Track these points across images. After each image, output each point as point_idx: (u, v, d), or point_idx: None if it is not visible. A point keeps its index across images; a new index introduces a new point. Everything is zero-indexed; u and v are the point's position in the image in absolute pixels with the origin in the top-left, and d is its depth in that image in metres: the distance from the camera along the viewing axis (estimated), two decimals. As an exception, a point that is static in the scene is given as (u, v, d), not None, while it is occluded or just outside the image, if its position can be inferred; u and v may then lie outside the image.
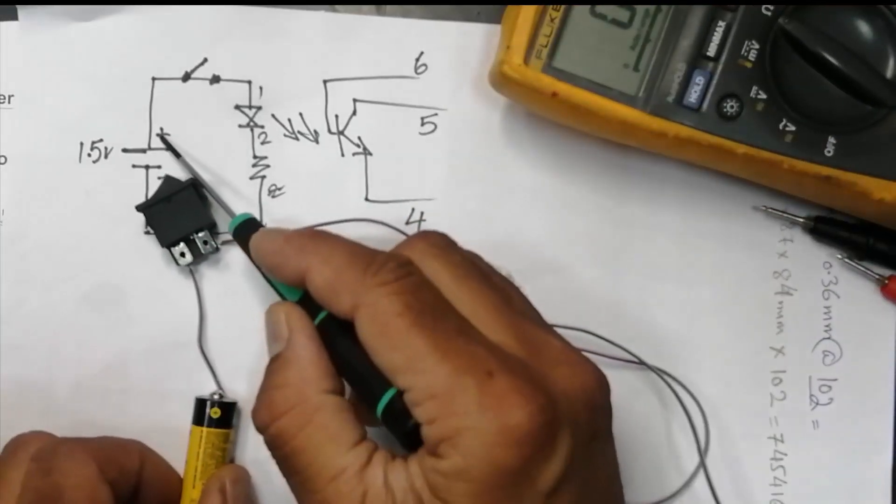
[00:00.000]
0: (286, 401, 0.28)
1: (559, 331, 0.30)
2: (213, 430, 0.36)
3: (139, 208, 0.37)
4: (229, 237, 0.36)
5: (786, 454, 0.39)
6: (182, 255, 0.37)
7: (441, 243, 0.30)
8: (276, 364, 0.29)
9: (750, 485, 0.38)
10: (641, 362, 0.38)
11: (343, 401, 0.28)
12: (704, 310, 0.39)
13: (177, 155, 0.37)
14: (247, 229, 0.34)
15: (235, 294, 0.38)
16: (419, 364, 0.26)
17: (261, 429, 0.29)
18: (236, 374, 0.38)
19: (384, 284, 0.27)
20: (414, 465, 0.26)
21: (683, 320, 0.39)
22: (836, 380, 0.39)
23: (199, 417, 0.36)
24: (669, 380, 0.38)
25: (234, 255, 0.38)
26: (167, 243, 0.37)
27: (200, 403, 0.36)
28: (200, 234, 0.37)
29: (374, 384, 0.27)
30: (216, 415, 0.36)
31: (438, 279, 0.28)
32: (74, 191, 0.38)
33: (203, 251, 0.37)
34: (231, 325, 0.38)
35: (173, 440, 0.37)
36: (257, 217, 0.37)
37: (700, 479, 0.38)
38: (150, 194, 0.38)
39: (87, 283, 0.38)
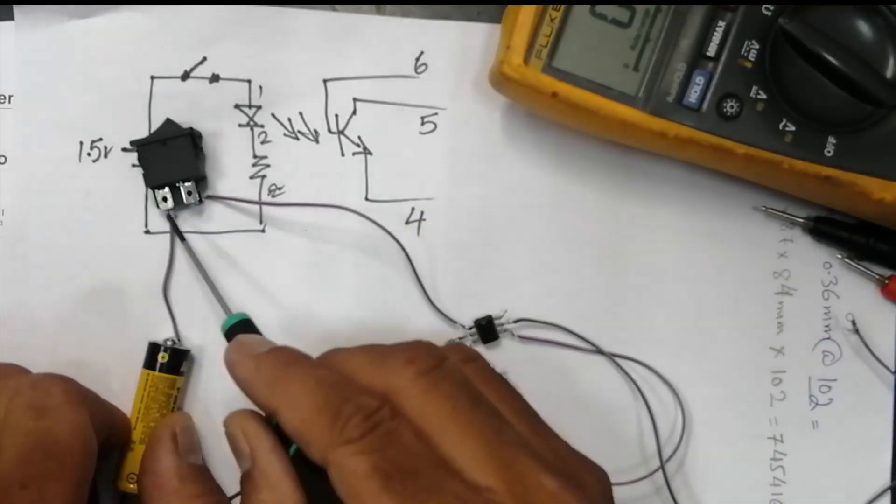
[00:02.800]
0: None
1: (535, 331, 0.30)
2: (159, 374, 0.36)
3: (133, 143, 0.37)
4: (215, 193, 0.37)
5: (785, 454, 0.39)
6: (164, 199, 0.37)
7: (426, 369, 0.28)
8: (247, 485, 0.29)
9: (749, 485, 0.38)
10: (600, 351, 0.38)
11: None
12: (704, 310, 0.39)
13: (181, 238, 0.37)
14: (238, 330, 0.33)
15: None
16: None
17: None
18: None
19: (350, 443, 0.26)
20: None
21: (683, 320, 0.39)
22: (835, 380, 0.39)
23: (149, 361, 0.36)
24: (635, 365, 0.38)
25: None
26: (152, 184, 0.37)
27: (152, 347, 0.36)
28: (187, 184, 0.37)
29: None
30: (164, 359, 0.36)
31: (422, 417, 0.27)
32: (74, 190, 0.38)
33: (185, 201, 0.37)
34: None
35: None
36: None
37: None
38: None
39: (87, 283, 0.38)
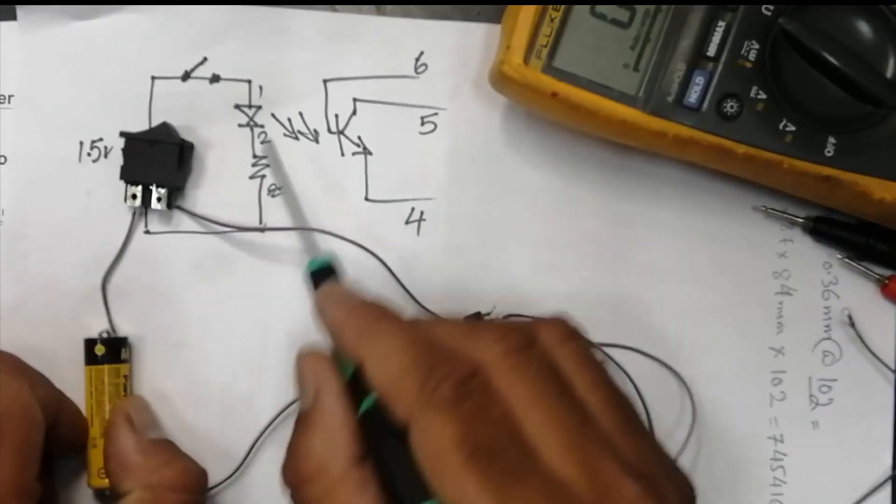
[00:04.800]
0: (309, 467, 0.28)
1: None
2: (101, 367, 0.36)
3: (123, 134, 0.37)
4: (185, 205, 0.37)
5: (785, 454, 0.39)
6: (133, 196, 0.37)
7: (516, 348, 0.27)
8: (302, 424, 0.29)
9: (749, 485, 0.38)
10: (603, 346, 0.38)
11: (368, 475, 0.27)
12: (704, 310, 0.39)
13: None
14: (322, 275, 0.32)
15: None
16: None
17: (286, 486, 0.28)
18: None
19: (441, 407, 0.25)
20: None
21: (683, 320, 0.39)
22: (835, 380, 0.39)
23: (88, 357, 0.36)
24: (634, 361, 0.38)
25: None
26: (127, 178, 0.37)
27: (88, 343, 0.37)
28: (160, 190, 0.37)
29: (409, 490, 0.26)
30: (101, 352, 0.36)
31: (509, 393, 0.26)
32: (74, 190, 0.38)
33: (152, 206, 0.37)
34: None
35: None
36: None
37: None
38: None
39: (87, 283, 0.38)
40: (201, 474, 0.35)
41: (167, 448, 0.35)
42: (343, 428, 0.28)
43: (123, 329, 0.38)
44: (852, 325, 0.39)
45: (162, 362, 0.38)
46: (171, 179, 0.37)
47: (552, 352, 0.28)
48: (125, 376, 0.37)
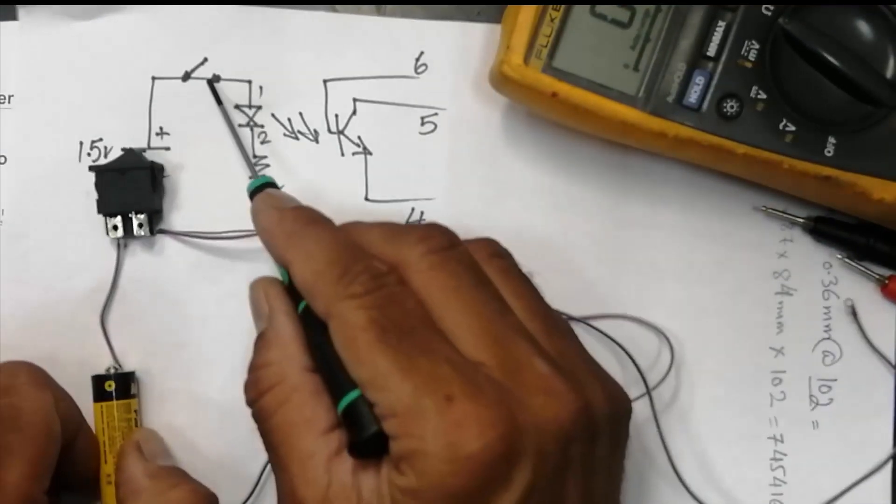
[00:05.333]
0: (268, 379, 0.29)
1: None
2: (112, 402, 0.36)
3: (92, 168, 0.37)
4: (167, 227, 0.38)
5: (785, 454, 0.39)
6: (115, 227, 0.37)
7: (437, 248, 0.28)
8: (260, 343, 0.30)
9: (749, 485, 0.38)
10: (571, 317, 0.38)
11: (322, 383, 0.28)
12: (704, 310, 0.39)
13: (218, 102, 0.37)
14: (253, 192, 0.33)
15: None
16: (381, 381, 0.26)
17: (249, 405, 0.29)
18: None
19: (353, 297, 0.27)
20: (384, 471, 0.26)
21: (683, 320, 0.39)
22: (835, 380, 0.39)
23: (98, 394, 0.36)
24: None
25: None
26: (104, 212, 0.37)
27: (97, 380, 0.36)
28: (139, 216, 0.37)
29: (337, 383, 0.27)
30: (111, 388, 0.36)
31: (427, 290, 0.28)
32: (74, 190, 0.38)
33: (135, 233, 0.37)
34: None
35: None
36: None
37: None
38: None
39: (88, 284, 0.38)
40: (210, 498, 0.35)
41: (176, 472, 0.35)
42: (295, 339, 0.29)
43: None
44: (854, 314, 0.38)
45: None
46: (148, 203, 0.37)
47: (471, 255, 0.29)
48: (135, 411, 0.37)
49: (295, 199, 0.32)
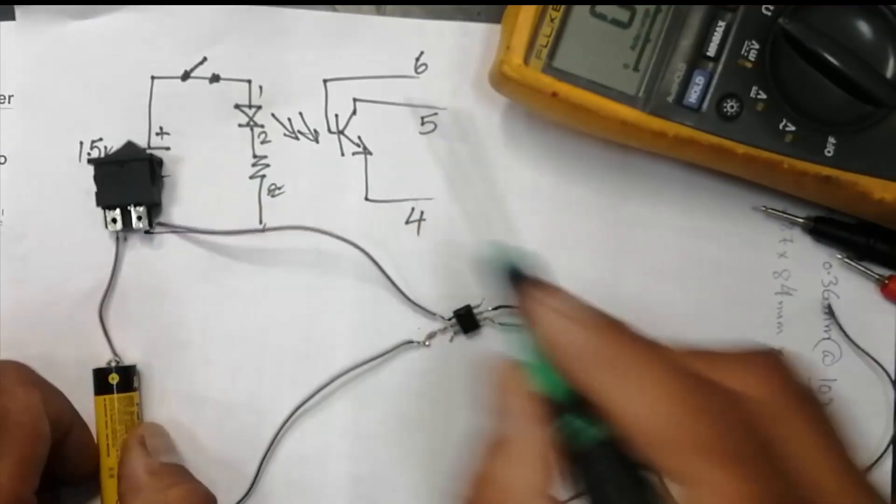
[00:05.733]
0: (496, 497, 0.25)
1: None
2: (114, 396, 0.36)
3: (91, 161, 0.37)
4: (166, 221, 0.37)
5: (785, 454, 0.39)
6: (114, 220, 0.37)
7: (785, 384, 0.24)
8: (497, 450, 0.25)
9: (749, 485, 0.38)
10: None
11: None
12: (704, 310, 0.39)
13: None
14: (514, 274, 0.27)
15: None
16: None
17: None
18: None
19: (729, 460, 0.22)
20: None
21: (683, 320, 0.39)
22: (835, 380, 0.39)
23: (100, 387, 0.36)
24: None
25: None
26: (103, 204, 0.37)
27: (99, 373, 0.36)
28: (138, 209, 0.37)
29: None
30: (114, 381, 0.36)
31: (786, 437, 0.23)
32: (75, 190, 0.38)
33: (134, 226, 0.37)
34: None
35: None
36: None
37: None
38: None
39: (87, 283, 0.38)
40: (209, 498, 0.35)
41: (177, 471, 0.35)
42: (545, 467, 0.25)
43: (126, 347, 0.38)
44: (852, 325, 0.39)
45: (165, 382, 0.38)
46: (147, 196, 0.37)
47: (811, 388, 0.25)
48: (137, 404, 0.37)
49: (588, 305, 0.26)
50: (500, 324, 0.38)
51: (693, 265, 0.39)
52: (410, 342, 0.38)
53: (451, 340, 0.38)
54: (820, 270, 0.39)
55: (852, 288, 0.39)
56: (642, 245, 0.39)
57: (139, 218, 0.37)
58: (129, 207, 0.37)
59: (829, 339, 0.39)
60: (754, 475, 0.22)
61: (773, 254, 0.39)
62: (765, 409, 0.23)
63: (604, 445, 0.24)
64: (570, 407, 0.25)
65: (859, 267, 0.38)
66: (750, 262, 0.39)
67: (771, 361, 0.25)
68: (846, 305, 0.39)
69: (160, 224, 0.38)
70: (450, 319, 0.38)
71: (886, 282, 0.38)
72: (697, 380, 0.24)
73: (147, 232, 0.38)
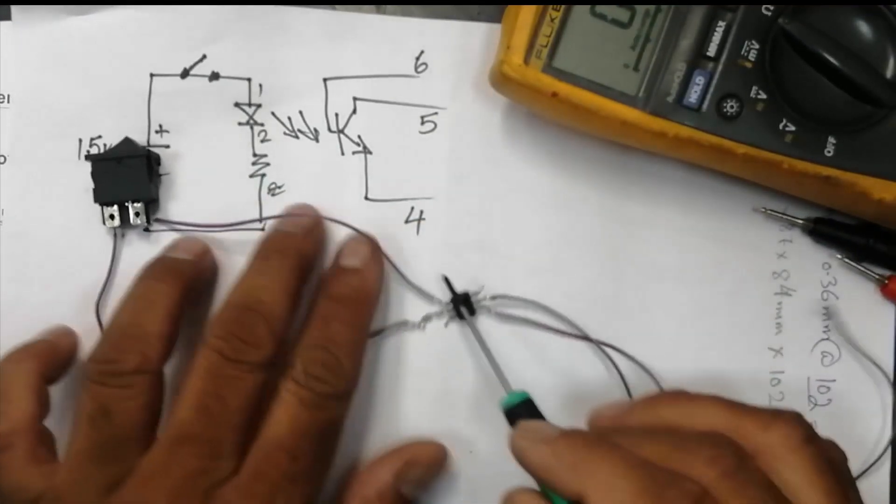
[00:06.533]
0: None
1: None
2: None
3: (88, 157, 0.37)
4: (165, 217, 0.37)
5: (784, 454, 0.39)
6: (111, 216, 0.37)
7: (733, 469, 0.27)
8: None
9: (748, 485, 0.38)
10: (587, 338, 0.38)
11: None
12: (703, 310, 0.39)
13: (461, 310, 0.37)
14: (518, 410, 0.32)
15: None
16: None
17: None
18: None
19: None
20: None
21: (682, 320, 0.39)
22: (834, 381, 0.39)
23: None
24: (612, 352, 0.38)
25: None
26: (101, 201, 0.37)
27: None
28: (136, 205, 0.37)
29: None
30: None
31: (785, 480, 0.27)
32: (74, 188, 0.38)
33: (132, 222, 0.37)
34: None
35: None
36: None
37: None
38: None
39: (87, 282, 0.37)
40: None
41: None
42: None
43: None
44: (852, 325, 0.39)
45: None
46: (145, 192, 0.37)
47: (764, 472, 0.28)
48: None
49: (551, 425, 0.31)
50: (497, 313, 0.38)
51: (692, 265, 0.39)
52: (405, 322, 0.38)
53: (447, 326, 0.38)
54: (819, 271, 0.39)
55: (852, 288, 0.39)
56: (642, 245, 0.39)
57: (137, 214, 0.37)
58: (126, 204, 0.37)
59: (828, 339, 0.39)
60: None
61: (772, 254, 0.39)
62: (713, 497, 0.26)
63: None
64: None
65: (859, 267, 0.39)
66: (749, 263, 0.39)
67: (712, 446, 0.27)
68: (845, 306, 0.39)
69: (158, 220, 0.38)
70: (447, 304, 0.38)
71: (886, 282, 0.38)
72: (649, 466, 0.27)
73: (146, 229, 0.38)
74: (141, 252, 0.37)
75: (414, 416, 0.38)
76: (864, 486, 0.38)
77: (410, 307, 0.38)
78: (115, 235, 0.38)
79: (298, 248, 0.35)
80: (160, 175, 0.38)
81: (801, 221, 0.39)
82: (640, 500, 0.26)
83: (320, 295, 0.35)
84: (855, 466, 0.38)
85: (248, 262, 0.35)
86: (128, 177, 0.37)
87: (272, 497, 0.31)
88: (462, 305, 0.37)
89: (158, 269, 0.35)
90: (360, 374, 0.34)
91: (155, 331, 0.33)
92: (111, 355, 0.33)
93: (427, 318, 0.38)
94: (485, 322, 0.38)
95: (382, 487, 0.34)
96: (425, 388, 0.38)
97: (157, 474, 0.31)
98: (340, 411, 0.34)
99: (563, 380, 0.38)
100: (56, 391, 0.35)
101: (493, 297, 0.38)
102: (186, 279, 0.35)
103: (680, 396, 0.31)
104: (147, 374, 0.33)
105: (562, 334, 0.38)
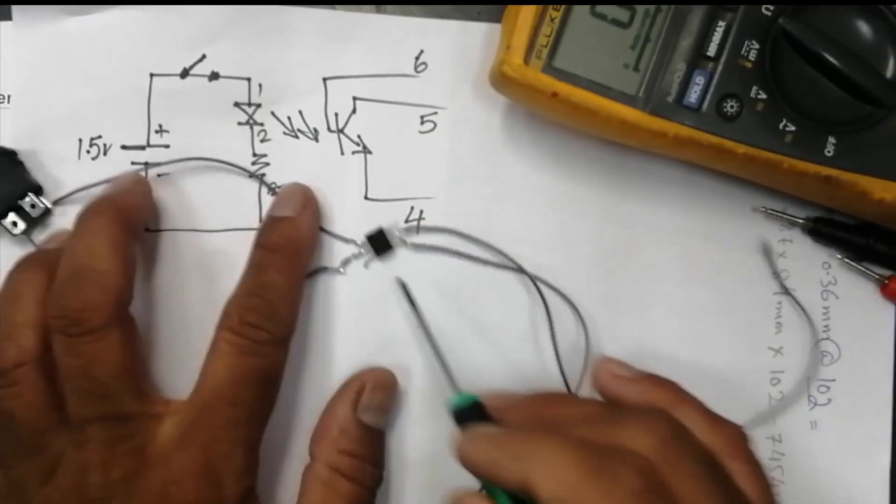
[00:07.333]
0: None
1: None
2: None
3: None
4: (58, 196, 0.37)
5: (784, 454, 0.39)
6: (14, 224, 0.37)
7: (670, 438, 0.27)
8: None
9: (748, 485, 0.38)
10: (521, 269, 0.38)
11: None
12: (703, 310, 0.39)
13: (412, 303, 0.37)
14: (468, 413, 0.31)
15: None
16: None
17: None
18: None
19: None
20: None
21: (682, 320, 0.39)
22: (834, 380, 0.39)
23: None
24: (542, 286, 0.38)
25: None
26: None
27: None
28: (26, 200, 0.36)
29: None
30: None
31: (673, 488, 0.26)
32: (73, 188, 0.38)
33: (34, 215, 0.37)
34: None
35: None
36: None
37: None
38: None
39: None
40: None
41: (366, 441, 0.35)
42: None
43: None
44: (851, 325, 0.39)
45: (165, 380, 0.38)
46: (25, 183, 0.36)
47: (698, 441, 0.28)
48: None
49: (492, 424, 0.31)
50: (413, 244, 0.38)
51: (692, 265, 0.39)
52: (325, 269, 0.38)
53: (367, 266, 0.38)
54: (819, 271, 0.39)
55: (852, 288, 0.39)
56: (642, 245, 0.39)
57: (33, 206, 0.37)
58: (18, 204, 0.36)
59: (827, 339, 0.39)
60: None
61: (772, 254, 0.39)
62: (654, 464, 0.26)
63: None
64: None
65: (859, 267, 0.39)
66: (749, 263, 0.39)
67: (648, 419, 0.28)
68: (845, 306, 0.39)
69: (58, 201, 0.37)
70: (361, 243, 0.38)
71: (886, 282, 0.38)
72: (593, 446, 0.27)
73: (146, 230, 0.38)
74: (140, 252, 0.37)
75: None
76: (863, 486, 0.38)
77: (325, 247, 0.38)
78: (30, 242, 0.37)
79: (113, 201, 0.34)
80: (24, 164, 0.37)
81: (801, 221, 0.39)
82: (584, 475, 0.26)
83: (253, 244, 0.35)
84: (854, 465, 0.38)
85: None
86: (1, 181, 0.36)
87: (213, 443, 0.31)
88: (377, 241, 0.37)
89: (24, 260, 0.34)
90: (296, 319, 0.34)
91: (22, 320, 0.33)
92: None
93: (346, 262, 0.38)
94: (403, 256, 0.38)
95: (343, 422, 0.35)
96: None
97: (82, 455, 0.31)
98: (278, 357, 0.34)
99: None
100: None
101: (407, 228, 0.38)
102: (53, 262, 0.34)
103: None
104: (29, 364, 0.32)
105: (480, 262, 0.38)
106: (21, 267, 0.34)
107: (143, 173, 0.38)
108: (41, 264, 0.34)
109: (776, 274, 0.38)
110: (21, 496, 0.32)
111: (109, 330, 0.32)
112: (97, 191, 0.37)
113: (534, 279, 0.38)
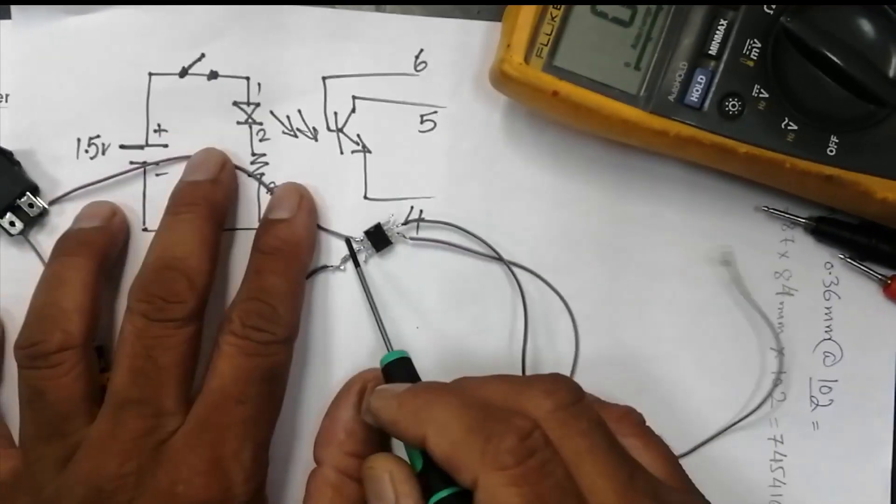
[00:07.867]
0: None
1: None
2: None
3: None
4: (54, 196, 0.37)
5: (785, 455, 0.39)
6: (12, 224, 0.37)
7: (567, 402, 0.28)
8: None
9: (749, 486, 0.38)
10: (500, 258, 0.38)
11: None
12: (705, 310, 0.39)
13: (356, 263, 0.37)
14: (396, 367, 0.33)
15: None
16: None
17: None
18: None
19: (504, 469, 0.26)
20: None
21: (683, 320, 0.39)
22: (836, 381, 0.39)
23: None
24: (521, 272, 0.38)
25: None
26: None
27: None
28: (23, 199, 0.36)
29: None
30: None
31: (564, 446, 0.27)
32: (71, 187, 0.37)
33: (31, 214, 0.37)
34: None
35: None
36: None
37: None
38: (146, 192, 0.38)
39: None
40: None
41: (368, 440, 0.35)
42: None
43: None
44: (854, 325, 0.38)
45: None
46: (22, 183, 0.36)
47: (596, 409, 0.29)
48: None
49: (404, 384, 0.31)
50: (412, 238, 0.38)
51: (694, 265, 0.39)
52: (325, 267, 0.38)
53: (366, 261, 0.38)
54: (821, 270, 0.39)
55: (854, 288, 0.39)
56: (643, 244, 0.39)
57: (31, 206, 0.37)
58: (15, 203, 0.36)
59: (830, 339, 0.39)
60: (526, 479, 0.26)
61: (774, 254, 0.39)
62: (545, 425, 0.27)
63: (456, 496, 0.28)
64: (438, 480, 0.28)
65: (861, 267, 0.38)
66: (751, 262, 0.39)
67: (549, 383, 0.29)
68: (848, 306, 0.39)
69: (54, 201, 0.37)
70: (360, 239, 0.38)
71: (889, 282, 0.38)
72: (484, 407, 0.28)
73: (145, 230, 0.38)
74: (140, 251, 0.37)
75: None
76: (864, 486, 0.38)
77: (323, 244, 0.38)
78: (28, 242, 0.37)
79: (206, 195, 0.35)
80: (20, 163, 0.37)
81: (803, 221, 0.38)
82: (469, 436, 0.27)
83: (252, 249, 0.35)
84: (855, 466, 0.38)
85: (161, 220, 0.35)
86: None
87: (221, 441, 0.32)
88: (375, 236, 0.37)
89: (67, 243, 0.35)
90: (298, 319, 0.35)
91: (72, 306, 0.33)
92: (33, 338, 0.33)
93: (346, 259, 0.38)
94: (402, 251, 0.38)
95: (348, 424, 0.34)
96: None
97: (104, 441, 0.31)
98: (282, 357, 0.34)
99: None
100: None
101: (405, 223, 0.38)
102: (98, 247, 0.35)
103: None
104: (73, 349, 0.33)
105: (476, 255, 0.38)
106: (65, 250, 0.35)
107: (141, 173, 0.38)
108: (87, 249, 0.35)
109: (736, 280, 0.38)
110: (36, 480, 0.32)
111: (187, 323, 0.33)
112: (96, 191, 0.37)
113: (512, 268, 0.38)
